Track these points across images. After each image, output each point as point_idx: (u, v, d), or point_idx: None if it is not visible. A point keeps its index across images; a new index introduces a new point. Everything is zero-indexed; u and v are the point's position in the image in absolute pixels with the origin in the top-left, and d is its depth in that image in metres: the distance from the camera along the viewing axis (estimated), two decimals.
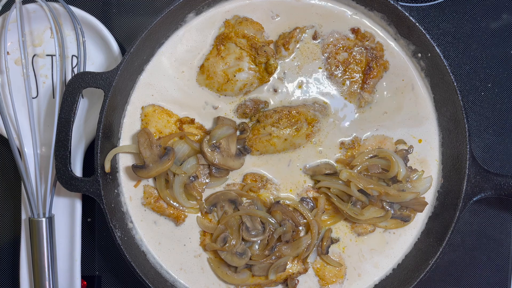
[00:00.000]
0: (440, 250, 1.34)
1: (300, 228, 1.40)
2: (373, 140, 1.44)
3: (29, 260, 1.44)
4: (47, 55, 1.48)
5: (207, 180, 1.40)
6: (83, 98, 1.48)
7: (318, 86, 1.43)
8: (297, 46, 1.43)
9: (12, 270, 1.54)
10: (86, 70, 1.41)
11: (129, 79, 1.38)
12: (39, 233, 1.38)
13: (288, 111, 1.41)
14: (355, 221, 1.41)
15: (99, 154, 1.30)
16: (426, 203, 1.40)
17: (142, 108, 1.41)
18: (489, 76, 1.56)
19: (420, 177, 1.40)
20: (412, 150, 1.43)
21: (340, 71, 1.43)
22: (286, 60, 1.43)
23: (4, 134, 1.42)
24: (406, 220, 1.41)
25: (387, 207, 1.37)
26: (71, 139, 1.31)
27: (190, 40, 1.42)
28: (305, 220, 1.40)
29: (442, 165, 1.44)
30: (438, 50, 1.35)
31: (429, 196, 1.43)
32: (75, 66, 1.48)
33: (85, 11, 1.44)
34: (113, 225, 1.32)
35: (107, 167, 1.32)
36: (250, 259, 1.37)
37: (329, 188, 1.40)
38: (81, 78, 1.30)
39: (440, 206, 1.42)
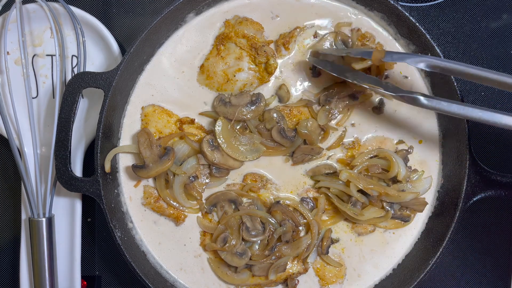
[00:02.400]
0: (440, 250, 1.35)
1: (300, 228, 1.40)
2: (374, 140, 1.44)
3: (29, 260, 1.45)
4: (47, 55, 1.48)
5: (207, 180, 1.40)
6: (83, 98, 1.48)
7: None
8: (296, 43, 1.43)
9: (12, 270, 1.54)
10: (86, 70, 1.41)
11: (129, 79, 1.38)
12: (39, 233, 1.38)
13: (290, 110, 1.41)
14: (355, 222, 1.41)
15: (99, 154, 1.30)
16: (426, 203, 1.40)
17: (142, 108, 1.41)
18: None
19: (420, 177, 1.40)
20: (412, 150, 1.43)
21: None
22: (286, 58, 1.43)
23: (4, 134, 1.42)
24: (406, 220, 1.41)
25: (387, 207, 1.37)
26: (71, 139, 1.31)
27: (190, 40, 1.42)
28: (305, 220, 1.40)
29: (442, 165, 1.44)
30: (438, 50, 1.35)
31: (429, 196, 1.43)
32: (75, 66, 1.48)
33: (85, 11, 1.44)
34: (113, 225, 1.32)
35: (107, 167, 1.33)
36: (250, 259, 1.37)
37: (328, 188, 1.40)
38: (81, 78, 1.30)
39: (440, 206, 1.42)
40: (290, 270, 1.41)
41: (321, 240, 1.41)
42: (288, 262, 1.40)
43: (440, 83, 1.39)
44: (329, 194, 1.39)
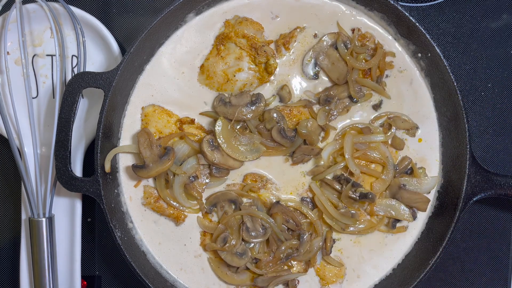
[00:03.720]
0: (440, 250, 1.35)
1: (300, 232, 1.39)
2: None
3: (29, 260, 1.45)
4: (47, 55, 1.48)
5: (207, 180, 1.40)
6: (83, 98, 1.49)
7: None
8: (296, 43, 1.43)
9: (12, 270, 1.54)
10: (86, 70, 1.41)
11: (129, 79, 1.38)
12: (39, 233, 1.38)
13: (290, 110, 1.41)
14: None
15: (99, 154, 1.30)
16: (428, 200, 1.40)
17: (142, 108, 1.41)
18: (489, 76, 1.56)
19: (424, 173, 1.41)
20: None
21: None
22: (286, 58, 1.43)
23: (4, 134, 1.42)
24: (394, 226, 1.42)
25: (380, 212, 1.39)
26: (71, 139, 1.31)
27: (190, 40, 1.42)
28: (305, 220, 1.40)
29: (442, 165, 1.44)
30: (438, 50, 1.35)
31: (429, 196, 1.43)
32: (75, 66, 1.48)
33: (85, 11, 1.44)
34: (113, 225, 1.32)
35: (107, 167, 1.32)
36: (257, 267, 1.37)
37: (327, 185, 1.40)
38: (81, 78, 1.30)
39: (440, 206, 1.42)
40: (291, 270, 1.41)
41: (324, 241, 1.40)
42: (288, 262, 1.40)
43: (439, 83, 1.39)
44: (317, 204, 1.40)
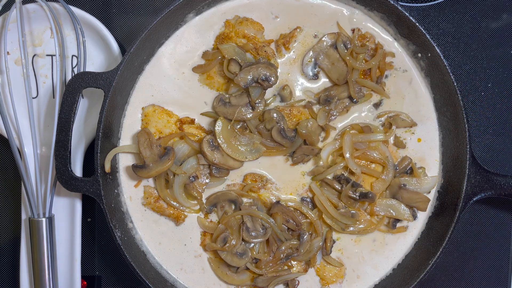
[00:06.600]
0: (440, 250, 1.35)
1: (300, 232, 1.39)
2: None
3: (29, 260, 1.45)
4: (47, 55, 1.48)
5: (207, 180, 1.40)
6: (83, 98, 1.49)
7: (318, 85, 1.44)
8: (296, 43, 1.43)
9: (12, 270, 1.54)
10: (86, 70, 1.41)
11: (129, 79, 1.38)
12: (39, 233, 1.38)
13: (290, 110, 1.41)
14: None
15: (99, 154, 1.30)
16: (428, 200, 1.40)
17: (142, 108, 1.41)
18: (489, 76, 1.56)
19: (424, 173, 1.41)
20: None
21: None
22: (286, 59, 1.43)
23: (4, 134, 1.42)
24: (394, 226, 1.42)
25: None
26: (71, 139, 1.31)
27: (190, 40, 1.42)
28: (305, 220, 1.40)
29: (442, 165, 1.44)
30: (438, 50, 1.35)
31: (429, 196, 1.43)
32: (75, 66, 1.48)
33: (85, 11, 1.44)
34: (113, 225, 1.32)
35: (107, 167, 1.32)
36: (257, 267, 1.37)
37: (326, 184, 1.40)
38: (81, 78, 1.30)
39: (440, 206, 1.42)
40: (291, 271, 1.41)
41: (324, 241, 1.40)
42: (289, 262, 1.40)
43: (439, 83, 1.39)
44: (317, 204, 1.39)
